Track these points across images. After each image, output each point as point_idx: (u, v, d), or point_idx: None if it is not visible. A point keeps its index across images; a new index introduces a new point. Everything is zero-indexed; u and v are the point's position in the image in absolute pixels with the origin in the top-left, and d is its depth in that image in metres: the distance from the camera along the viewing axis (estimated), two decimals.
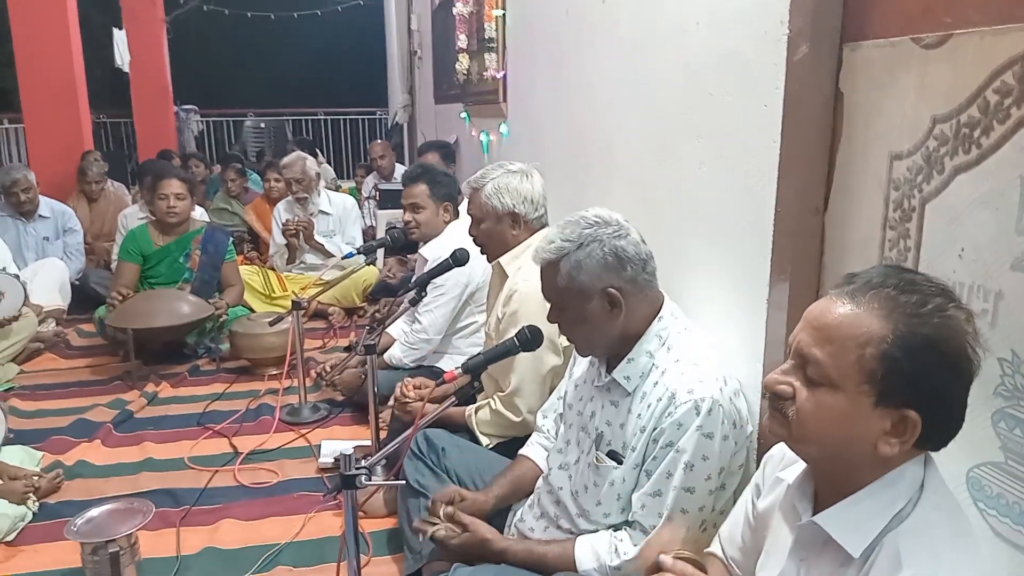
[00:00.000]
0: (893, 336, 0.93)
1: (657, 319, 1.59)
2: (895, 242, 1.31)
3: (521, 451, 1.97)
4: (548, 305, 1.66)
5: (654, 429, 1.49)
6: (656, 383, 1.53)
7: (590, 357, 1.70)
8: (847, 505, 1.00)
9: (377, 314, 4.13)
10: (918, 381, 0.93)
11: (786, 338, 1.50)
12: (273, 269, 4.98)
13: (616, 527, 1.57)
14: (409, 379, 2.57)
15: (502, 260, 2.33)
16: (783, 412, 1.02)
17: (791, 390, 1.01)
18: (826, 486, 1.06)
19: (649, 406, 1.51)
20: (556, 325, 1.66)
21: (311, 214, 4.96)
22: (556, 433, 1.87)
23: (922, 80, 1.23)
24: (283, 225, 4.89)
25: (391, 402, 2.62)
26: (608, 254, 1.53)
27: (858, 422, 0.96)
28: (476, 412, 2.23)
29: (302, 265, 4.98)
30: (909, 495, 0.97)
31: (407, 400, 2.45)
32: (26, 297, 3.93)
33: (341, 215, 5.08)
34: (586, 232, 1.55)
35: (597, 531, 1.59)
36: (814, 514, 1.04)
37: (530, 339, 1.73)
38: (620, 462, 1.55)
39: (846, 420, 0.97)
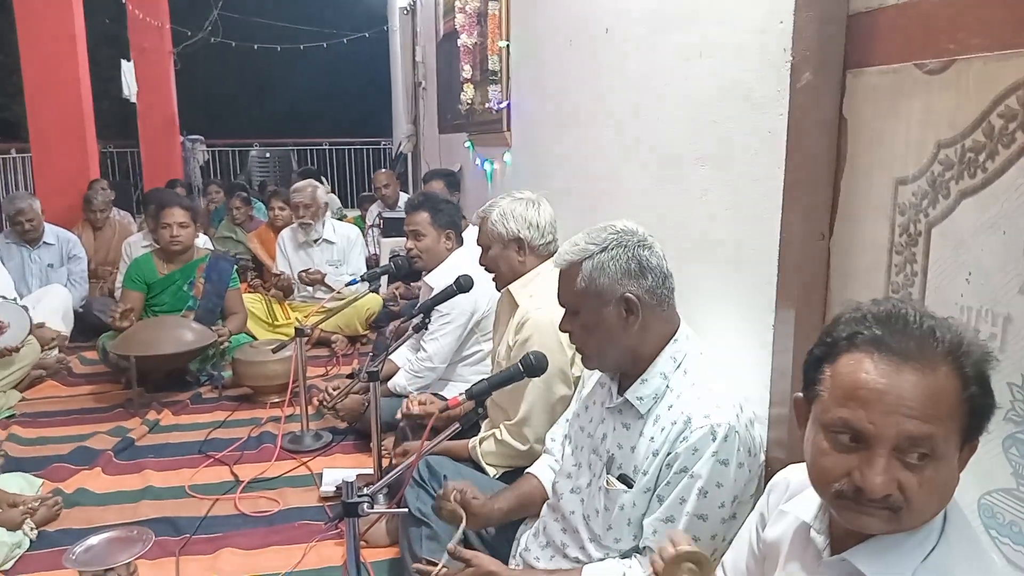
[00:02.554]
0: (971, 382, 0.92)
1: (672, 341, 1.58)
2: (901, 267, 1.31)
3: (529, 469, 1.94)
4: (559, 334, 1.64)
5: (668, 454, 1.47)
6: (671, 406, 1.51)
7: (599, 378, 1.69)
8: (887, 545, 0.97)
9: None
10: (991, 409, 0.94)
11: (793, 366, 1.50)
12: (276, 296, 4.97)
13: (626, 554, 1.55)
14: (415, 395, 2.55)
15: (512, 287, 2.33)
16: (890, 508, 0.94)
17: (897, 485, 0.93)
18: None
19: (663, 429, 1.49)
20: (567, 356, 1.63)
21: (315, 241, 4.97)
22: (563, 456, 1.85)
23: (926, 106, 1.24)
24: (305, 272, 4.82)
25: (401, 417, 2.62)
26: (631, 260, 1.54)
27: (956, 475, 0.95)
28: (480, 444, 2.21)
29: (305, 294, 4.98)
30: (939, 531, 0.96)
31: (412, 415, 2.42)
32: (31, 327, 3.92)
33: (345, 246, 5.06)
34: (611, 237, 1.57)
35: (605, 559, 1.57)
36: (834, 551, 1.02)
37: (534, 365, 1.72)
38: (630, 486, 1.53)
39: (951, 481, 0.95)
